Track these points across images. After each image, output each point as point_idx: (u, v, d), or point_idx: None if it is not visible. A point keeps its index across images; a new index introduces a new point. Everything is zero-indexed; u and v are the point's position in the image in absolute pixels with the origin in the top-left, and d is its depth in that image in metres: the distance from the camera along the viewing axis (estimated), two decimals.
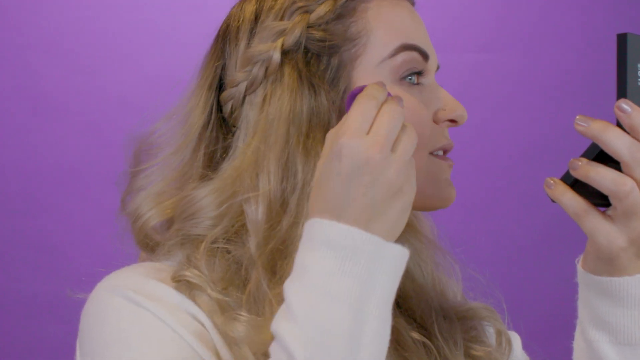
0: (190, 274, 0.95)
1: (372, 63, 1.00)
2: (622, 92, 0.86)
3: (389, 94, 0.91)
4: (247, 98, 1.01)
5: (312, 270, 0.84)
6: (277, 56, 0.99)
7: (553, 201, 0.90)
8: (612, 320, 0.95)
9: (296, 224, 0.94)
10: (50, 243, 2.47)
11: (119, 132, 2.49)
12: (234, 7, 1.06)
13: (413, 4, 1.08)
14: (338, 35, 1.00)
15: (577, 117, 0.87)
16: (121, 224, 1.06)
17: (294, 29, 1.00)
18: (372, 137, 0.87)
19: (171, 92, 1.08)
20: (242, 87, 1.01)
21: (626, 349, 0.96)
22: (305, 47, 1.00)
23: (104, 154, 2.46)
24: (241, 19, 1.04)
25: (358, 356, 0.83)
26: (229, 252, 0.97)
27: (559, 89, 2.61)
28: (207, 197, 0.99)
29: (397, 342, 1.00)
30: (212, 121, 1.04)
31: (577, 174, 0.87)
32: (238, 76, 1.01)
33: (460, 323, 1.08)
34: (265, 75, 1.00)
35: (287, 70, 0.99)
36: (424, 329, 1.05)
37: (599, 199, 0.89)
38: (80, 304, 0.98)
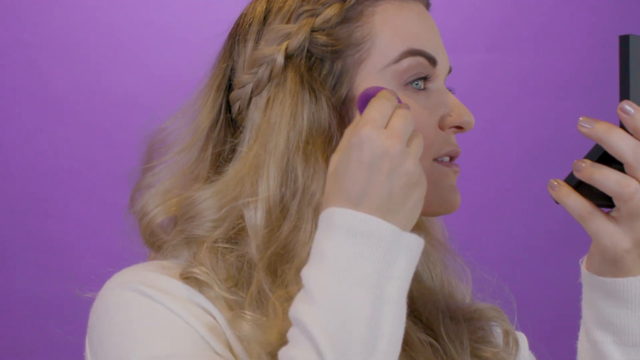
0: (198, 271, 0.95)
1: (375, 68, 1.00)
2: (625, 94, 0.86)
3: (399, 101, 0.94)
4: (253, 100, 1.01)
5: (331, 256, 0.86)
6: (280, 60, 1.00)
7: (557, 203, 0.90)
8: (617, 321, 0.95)
9: (297, 229, 0.95)
10: (57, 243, 2.47)
11: (125, 132, 2.51)
12: (247, 6, 1.07)
13: (427, 6, 1.07)
14: (342, 40, 1.00)
15: (581, 118, 0.87)
16: (129, 221, 1.06)
17: (298, 33, 1.00)
18: (389, 130, 0.89)
19: (179, 91, 1.08)
20: (248, 88, 1.02)
21: (630, 349, 0.96)
22: (309, 51, 1.00)
23: (111, 154, 2.47)
24: (251, 19, 1.04)
25: (377, 340, 0.85)
26: (232, 252, 0.98)
27: (568, 89, 2.61)
28: (208, 200, 1.00)
29: (404, 342, 0.99)
30: (220, 121, 1.05)
31: (581, 176, 0.88)
32: (244, 77, 1.02)
33: (467, 324, 1.08)
34: (270, 78, 1.00)
35: (290, 74, 1.00)
36: (430, 330, 1.06)
37: (603, 200, 0.90)
38: (89, 303, 0.98)
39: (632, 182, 0.87)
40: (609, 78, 2.56)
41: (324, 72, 1.00)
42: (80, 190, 2.49)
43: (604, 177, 0.86)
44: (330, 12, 1.00)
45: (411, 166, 0.88)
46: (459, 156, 1.03)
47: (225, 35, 1.08)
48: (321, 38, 1.00)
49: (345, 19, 1.01)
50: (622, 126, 0.87)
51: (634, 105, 0.86)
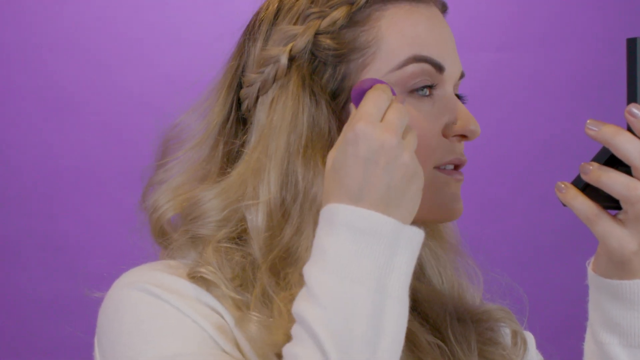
0: (205, 271, 0.96)
1: (379, 73, 0.99)
2: (632, 97, 0.86)
3: (393, 93, 0.94)
4: (260, 99, 1.02)
5: (332, 253, 0.86)
6: (284, 61, 1.00)
7: (564, 205, 0.90)
8: (623, 322, 0.95)
9: (299, 233, 0.96)
10: (65, 242, 2.47)
11: (133, 131, 2.52)
12: (263, 3, 1.07)
13: (444, 11, 1.06)
14: (346, 44, 1.00)
15: (588, 121, 0.87)
16: (140, 218, 1.07)
17: (303, 35, 1.00)
18: (385, 124, 0.89)
19: (191, 90, 1.08)
20: (256, 87, 1.02)
21: (637, 351, 0.96)
22: (313, 54, 1.00)
23: (119, 153, 2.47)
24: (262, 17, 1.04)
25: (380, 337, 0.85)
26: (236, 252, 0.98)
27: (576, 89, 2.60)
28: (212, 201, 1.00)
29: (412, 344, 1.00)
30: (231, 118, 1.05)
31: (588, 179, 0.88)
32: (252, 76, 1.02)
33: (475, 326, 1.08)
34: (275, 79, 1.00)
35: (293, 76, 1.00)
36: (438, 332, 1.06)
37: (610, 202, 0.90)
38: (97, 303, 0.99)
39: (639, 185, 0.87)
40: (619, 78, 2.56)
41: (326, 75, 1.00)
42: (88, 189, 2.49)
43: (611, 180, 0.87)
44: (336, 15, 1.00)
45: (407, 158, 0.89)
46: (464, 165, 1.02)
47: (235, 35, 1.08)
48: (325, 41, 1.00)
49: (351, 23, 1.00)
50: (629, 129, 0.87)
51: None
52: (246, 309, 0.94)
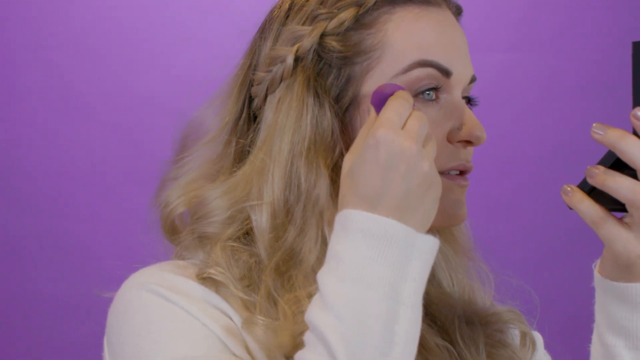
0: (214, 272, 0.96)
1: (384, 77, 0.98)
2: (638, 101, 0.87)
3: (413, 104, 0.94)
4: (268, 98, 1.02)
5: (347, 259, 0.86)
6: (290, 61, 1.00)
7: (570, 208, 0.91)
8: (629, 325, 0.95)
9: (303, 235, 0.96)
10: (76, 243, 2.47)
11: (146, 132, 2.52)
12: (277, 2, 1.07)
13: (457, 14, 1.05)
14: (352, 47, 0.99)
15: (594, 125, 0.88)
16: (152, 216, 1.07)
17: (309, 36, 1.00)
18: (406, 132, 0.89)
19: (202, 90, 1.09)
20: (265, 86, 1.02)
21: None
22: (319, 55, 1.00)
23: (131, 153, 2.47)
24: (274, 16, 1.04)
25: (393, 343, 0.84)
26: (243, 251, 0.98)
27: (585, 91, 2.60)
28: (217, 200, 1.00)
29: (421, 346, 1.00)
30: (244, 114, 1.05)
31: (594, 182, 0.88)
32: (261, 74, 1.02)
33: (484, 328, 1.08)
34: (282, 78, 1.00)
35: (299, 76, 1.00)
36: (446, 334, 1.06)
37: (616, 205, 0.90)
38: (107, 303, 0.99)
39: None
40: (628, 79, 2.56)
41: (331, 77, 1.00)
42: (99, 189, 2.49)
43: (617, 184, 0.87)
44: (343, 16, 1.00)
45: (427, 167, 0.88)
46: (470, 171, 1.01)
47: (245, 35, 1.08)
48: (331, 43, 1.00)
49: (358, 25, 1.00)
50: (635, 133, 0.87)
51: None
52: (254, 310, 0.94)
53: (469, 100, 1.04)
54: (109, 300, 0.99)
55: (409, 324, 0.86)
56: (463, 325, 1.06)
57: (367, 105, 0.98)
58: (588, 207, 0.89)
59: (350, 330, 0.83)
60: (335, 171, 0.97)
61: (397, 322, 0.85)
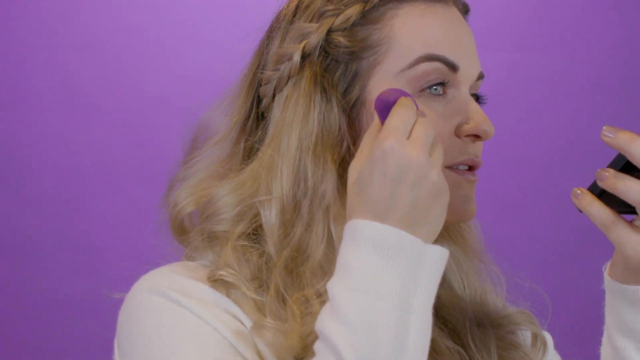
0: (225, 273, 0.95)
1: (390, 72, 0.98)
2: None
3: (416, 106, 0.93)
4: (276, 96, 1.02)
5: (357, 269, 0.86)
6: (297, 58, 1.00)
7: (580, 211, 0.91)
8: (639, 328, 0.96)
9: (309, 230, 0.96)
10: (86, 242, 2.47)
11: (155, 131, 2.52)
12: (286, 2, 1.07)
13: (464, 12, 1.06)
14: (358, 42, 0.99)
15: (604, 127, 0.87)
16: (161, 216, 1.07)
17: (315, 32, 1.00)
18: (413, 141, 0.89)
19: (212, 90, 1.09)
20: (272, 85, 1.02)
21: None
22: (326, 52, 1.00)
23: (141, 153, 2.48)
24: (282, 15, 1.05)
25: (403, 353, 0.84)
26: (253, 251, 0.98)
27: (595, 90, 2.60)
28: (226, 197, 1.00)
29: (432, 349, 0.99)
30: (252, 114, 1.05)
31: (604, 185, 0.88)
32: (269, 73, 1.03)
33: (495, 330, 1.08)
34: (289, 76, 1.01)
35: (306, 73, 1.00)
36: (458, 338, 1.05)
37: (626, 208, 0.90)
38: (118, 302, 0.99)
39: None
40: (638, 79, 2.55)
41: (338, 73, 1.00)
42: (109, 189, 2.50)
43: (627, 187, 0.87)
44: (349, 12, 1.00)
45: (435, 176, 0.88)
46: (479, 166, 1.01)
47: (253, 35, 1.08)
48: (338, 39, 1.00)
49: (365, 21, 1.00)
50: None
51: None
52: (265, 310, 0.94)
53: (477, 98, 1.04)
54: (118, 300, 0.99)
55: (419, 334, 0.86)
56: (474, 328, 1.06)
57: (373, 100, 0.98)
58: (598, 210, 0.89)
59: (360, 340, 0.83)
60: (342, 166, 0.98)
61: (407, 332, 0.85)
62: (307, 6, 1.02)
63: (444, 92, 0.99)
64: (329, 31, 1.00)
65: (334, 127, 0.98)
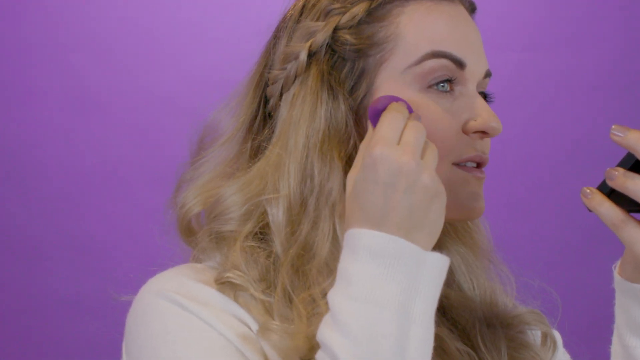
0: (233, 275, 0.95)
1: (397, 69, 0.98)
2: None
3: (410, 111, 0.93)
4: (284, 96, 1.02)
5: (356, 279, 0.86)
6: (303, 57, 1.00)
7: (590, 211, 0.90)
8: None
9: (316, 227, 0.95)
10: (93, 244, 2.48)
11: (161, 132, 2.53)
12: (294, 2, 1.07)
13: (471, 10, 1.05)
14: (365, 39, 0.99)
15: (613, 126, 0.87)
16: (168, 218, 1.07)
17: (322, 31, 1.00)
18: (403, 146, 0.89)
19: (218, 90, 1.09)
20: (279, 84, 1.02)
21: None
22: (333, 50, 1.00)
23: (147, 153, 2.48)
24: (289, 15, 1.05)
25: None
26: (260, 251, 0.98)
27: (603, 90, 2.59)
28: (233, 196, 1.00)
29: (442, 350, 1.00)
30: (259, 115, 1.05)
31: (613, 184, 0.87)
32: (276, 73, 1.03)
33: (505, 330, 1.07)
34: (296, 75, 1.00)
35: (313, 71, 1.00)
36: (467, 339, 1.05)
37: (636, 207, 0.89)
38: (126, 305, 0.99)
39: None
40: None
41: (345, 70, 1.00)
42: (114, 190, 2.50)
43: (637, 187, 0.86)
44: (355, 10, 1.00)
45: (427, 180, 0.88)
46: (487, 163, 1.01)
47: (260, 34, 1.08)
48: (344, 37, 1.00)
49: (371, 18, 1.00)
50: None
51: None
52: (272, 312, 0.94)
53: (484, 97, 1.04)
54: (124, 301, 1.00)
55: (420, 342, 0.85)
56: (484, 328, 1.05)
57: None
58: (608, 210, 0.89)
59: (361, 350, 0.83)
60: (349, 164, 0.97)
61: (408, 340, 0.84)
62: (314, 5, 1.02)
63: (451, 89, 0.99)
64: (336, 29, 1.00)
65: (341, 125, 0.98)
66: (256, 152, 1.04)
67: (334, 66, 1.00)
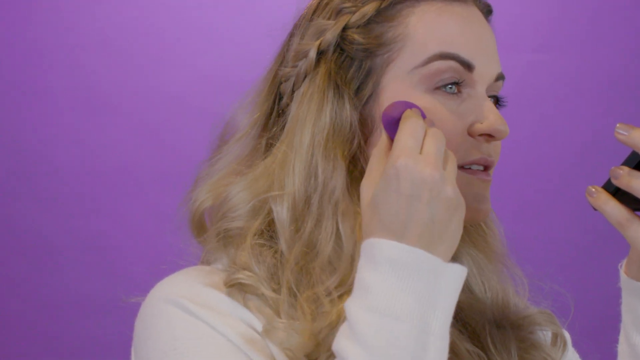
0: (243, 276, 0.95)
1: (403, 70, 0.98)
2: None
3: (423, 116, 0.93)
4: (295, 93, 1.02)
5: (375, 290, 0.85)
6: (313, 55, 1.00)
7: (595, 209, 0.90)
8: None
9: (319, 225, 0.95)
10: (105, 243, 2.48)
11: (173, 132, 2.53)
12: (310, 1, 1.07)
13: (487, 13, 1.05)
14: (373, 39, 0.99)
15: (618, 125, 0.87)
16: (180, 217, 1.07)
17: (331, 29, 1.00)
18: (425, 156, 0.88)
19: (232, 90, 1.09)
20: (291, 82, 1.02)
21: None
22: (341, 49, 1.00)
23: (159, 154, 2.48)
24: (304, 13, 1.05)
25: None
26: (267, 249, 0.98)
27: (614, 91, 2.59)
28: (240, 193, 1.00)
29: (452, 352, 0.99)
30: (274, 111, 1.05)
31: (618, 183, 0.87)
32: (288, 70, 1.03)
33: (516, 331, 1.07)
34: (306, 73, 1.01)
35: (321, 70, 1.00)
36: (477, 340, 1.05)
37: None
38: (135, 305, 0.99)
39: None
40: None
41: (352, 70, 1.00)
42: (126, 190, 2.50)
43: None
44: (366, 9, 1.00)
45: (450, 192, 0.88)
46: (494, 166, 1.00)
47: (272, 35, 1.09)
48: (353, 36, 1.00)
49: (380, 18, 1.00)
50: None
51: None
52: (275, 316, 0.94)
53: (497, 101, 1.04)
54: (136, 303, 0.99)
55: (437, 354, 0.85)
56: (494, 330, 1.05)
57: (386, 98, 0.98)
58: (613, 208, 0.89)
59: None
60: (352, 163, 0.98)
61: (425, 353, 0.84)
62: (327, 4, 1.03)
63: (459, 91, 0.99)
64: (345, 28, 1.00)
65: (345, 124, 0.98)
66: (267, 149, 1.04)
67: (342, 65, 1.00)
